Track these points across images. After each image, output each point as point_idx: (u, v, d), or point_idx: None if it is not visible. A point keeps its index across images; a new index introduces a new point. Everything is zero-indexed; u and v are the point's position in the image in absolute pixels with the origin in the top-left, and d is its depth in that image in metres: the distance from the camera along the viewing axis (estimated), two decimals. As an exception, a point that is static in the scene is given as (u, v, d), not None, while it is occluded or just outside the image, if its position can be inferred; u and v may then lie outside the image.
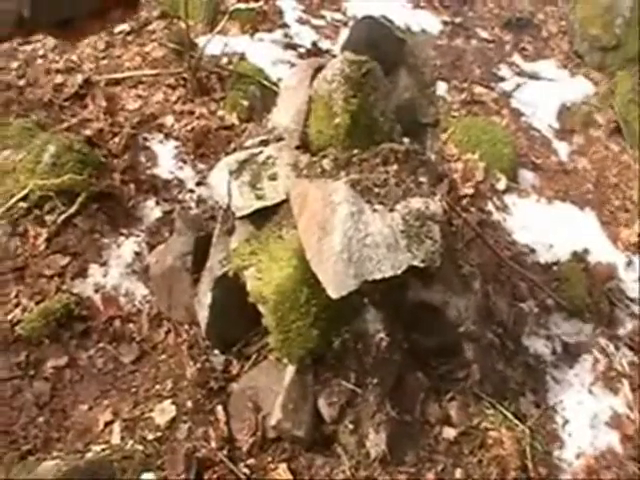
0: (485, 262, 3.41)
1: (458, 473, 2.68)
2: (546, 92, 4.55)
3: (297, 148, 2.70)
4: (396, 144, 2.60)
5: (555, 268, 3.58)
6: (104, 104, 3.39)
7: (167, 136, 3.43)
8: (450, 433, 2.77)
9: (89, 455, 2.52)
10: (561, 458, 2.85)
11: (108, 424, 2.62)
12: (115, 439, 2.60)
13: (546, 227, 3.77)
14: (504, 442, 2.77)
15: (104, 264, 2.98)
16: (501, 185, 3.87)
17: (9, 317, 2.76)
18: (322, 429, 2.61)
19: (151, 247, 3.05)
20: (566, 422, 2.98)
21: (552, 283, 3.48)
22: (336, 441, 2.62)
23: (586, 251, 3.65)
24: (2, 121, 3.21)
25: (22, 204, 2.96)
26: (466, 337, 2.91)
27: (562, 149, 4.28)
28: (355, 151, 2.53)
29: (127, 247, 3.04)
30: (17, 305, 2.79)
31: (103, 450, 2.56)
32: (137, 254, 3.03)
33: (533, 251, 3.66)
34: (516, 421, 2.80)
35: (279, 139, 2.81)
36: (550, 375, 3.14)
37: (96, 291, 2.91)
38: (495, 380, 2.95)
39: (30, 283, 2.86)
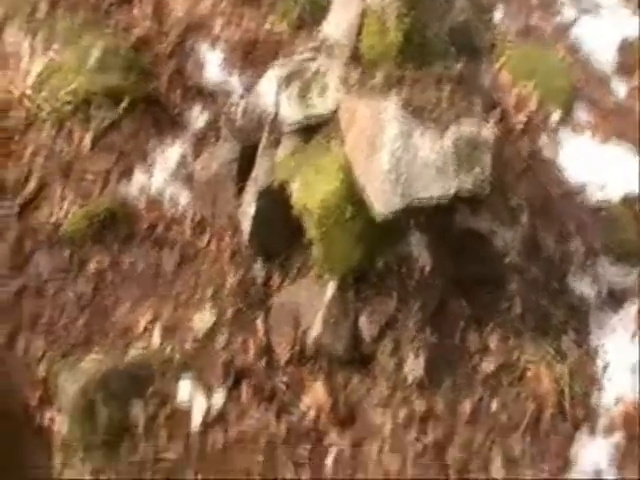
0: (533, 196, 3.28)
1: (494, 405, 2.65)
2: (607, 27, 4.29)
3: (348, 62, 2.59)
4: (450, 66, 2.49)
5: (605, 209, 3.46)
6: (151, 8, 3.27)
7: (214, 43, 3.30)
8: (489, 364, 2.71)
9: (129, 356, 2.54)
10: (599, 402, 2.79)
11: (148, 327, 2.63)
12: (155, 342, 2.62)
13: (598, 166, 3.59)
14: (542, 379, 2.72)
15: (149, 168, 2.94)
16: (554, 118, 3.69)
17: (53, 217, 2.76)
18: (361, 348, 2.58)
19: (196, 154, 2.99)
20: (606, 366, 2.89)
21: (601, 224, 3.36)
22: (374, 361, 2.60)
23: (638, 195, 3.53)
24: (48, 20, 3.14)
25: (68, 104, 2.91)
26: (511, 269, 2.85)
27: (620, 87, 4.05)
28: (407, 70, 2.42)
29: (172, 152, 2.99)
30: (61, 205, 2.79)
31: (142, 352, 2.58)
32: (182, 160, 2.97)
33: (583, 189, 3.51)
34: (556, 359, 2.74)
35: (330, 52, 2.73)
36: (593, 317, 3.03)
37: (140, 195, 2.89)
38: (537, 316, 2.87)
39: (75, 184, 2.85)
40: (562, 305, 3.01)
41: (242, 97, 3.18)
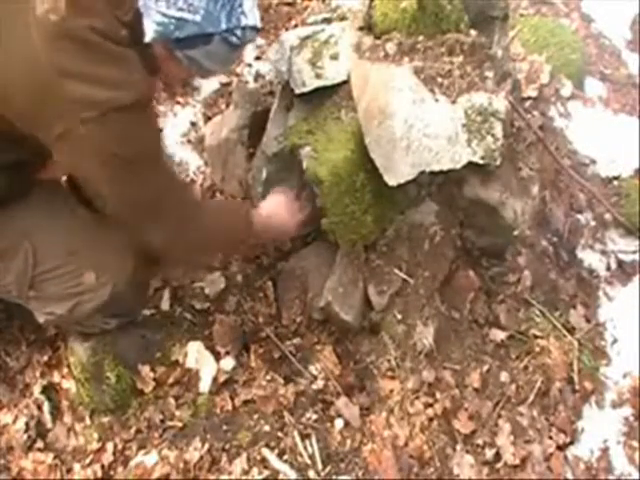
0: (544, 168, 3.22)
1: (503, 376, 2.63)
2: (620, 1, 4.28)
3: (360, 29, 2.56)
4: (463, 35, 2.43)
5: (616, 183, 3.40)
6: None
7: (226, 7, 3.27)
8: (498, 335, 2.70)
9: (138, 318, 2.51)
10: (607, 376, 2.77)
11: (158, 290, 2.61)
12: (164, 305, 2.60)
13: (610, 140, 3.55)
14: (552, 352, 2.71)
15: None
16: (566, 91, 3.65)
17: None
18: (370, 317, 2.56)
19: (207, 118, 2.98)
20: (615, 340, 2.87)
21: (611, 198, 3.31)
22: (383, 330, 2.57)
23: (649, 169, 3.48)
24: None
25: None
26: (520, 241, 2.82)
27: (632, 61, 4.00)
28: (420, 38, 2.38)
29: (183, 116, 2.98)
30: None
31: (152, 315, 2.56)
32: (193, 124, 2.96)
33: (594, 162, 3.46)
34: (565, 332, 2.72)
35: (342, 18, 2.68)
36: (603, 291, 3.00)
37: (150, 158, 2.87)
38: (546, 289, 2.86)
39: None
40: (571, 278, 2.99)
41: (254, 62, 3.16)
